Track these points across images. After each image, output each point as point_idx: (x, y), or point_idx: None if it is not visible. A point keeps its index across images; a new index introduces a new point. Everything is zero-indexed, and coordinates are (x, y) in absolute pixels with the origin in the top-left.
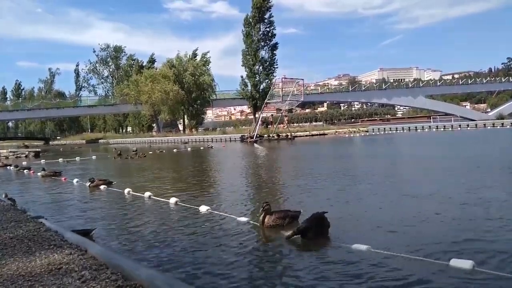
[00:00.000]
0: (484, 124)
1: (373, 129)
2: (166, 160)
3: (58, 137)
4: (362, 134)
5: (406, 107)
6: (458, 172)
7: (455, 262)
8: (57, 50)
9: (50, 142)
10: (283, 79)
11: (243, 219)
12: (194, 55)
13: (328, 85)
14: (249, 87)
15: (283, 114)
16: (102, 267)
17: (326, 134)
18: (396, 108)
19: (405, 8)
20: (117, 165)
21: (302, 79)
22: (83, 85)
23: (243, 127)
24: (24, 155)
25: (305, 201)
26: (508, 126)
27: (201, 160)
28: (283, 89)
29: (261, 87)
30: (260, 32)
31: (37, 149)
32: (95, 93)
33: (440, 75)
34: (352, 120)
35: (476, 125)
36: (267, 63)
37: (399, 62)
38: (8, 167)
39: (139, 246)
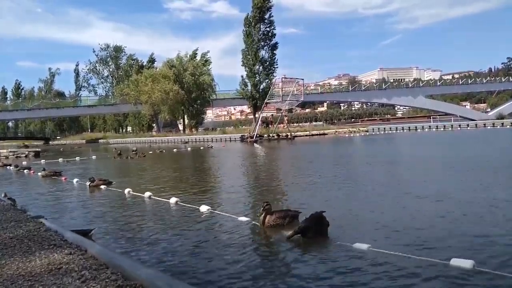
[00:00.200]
0: (484, 124)
1: (373, 129)
2: (166, 160)
3: (58, 137)
4: (362, 134)
5: (406, 107)
6: (459, 172)
7: (455, 262)
8: (57, 50)
9: (50, 142)
10: (283, 79)
11: (244, 218)
12: (194, 55)
13: (328, 85)
14: (249, 87)
15: (283, 114)
16: (102, 267)
17: (326, 134)
18: (396, 108)
19: (405, 8)
20: (117, 165)
21: (302, 79)
22: (83, 85)
23: (243, 127)
24: (24, 155)
25: (306, 201)
26: (508, 126)
27: (201, 160)
28: (283, 89)
29: (261, 87)
30: (260, 32)
31: (37, 149)
32: (95, 93)
33: (440, 75)
34: (352, 120)
35: (476, 125)
36: (267, 63)
37: (399, 62)
38: (8, 167)
39: (139, 246)
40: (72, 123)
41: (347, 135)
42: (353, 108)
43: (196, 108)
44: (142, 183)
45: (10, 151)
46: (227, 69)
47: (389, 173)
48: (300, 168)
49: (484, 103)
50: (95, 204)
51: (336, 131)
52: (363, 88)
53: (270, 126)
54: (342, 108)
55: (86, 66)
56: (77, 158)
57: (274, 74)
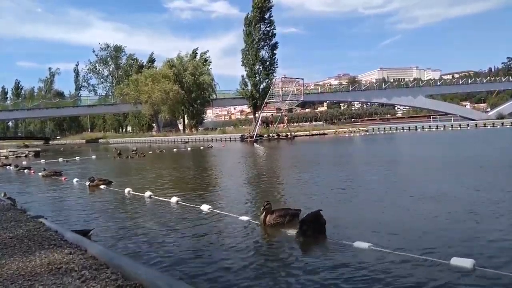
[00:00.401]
0: (484, 124)
1: (373, 129)
2: (166, 159)
3: (58, 137)
4: (362, 134)
5: (406, 107)
6: (459, 172)
7: (456, 261)
8: (57, 50)
9: (50, 142)
10: (283, 79)
11: (244, 218)
12: (194, 54)
13: (328, 84)
14: (249, 87)
15: (283, 113)
16: (102, 266)
17: (326, 134)
18: (396, 108)
19: (405, 8)
20: (117, 164)
21: (302, 79)
22: (83, 85)
23: (243, 126)
24: (24, 155)
25: (306, 200)
26: (508, 126)
27: (201, 159)
28: (283, 89)
29: (261, 86)
30: (261, 32)
31: (37, 149)
32: (95, 93)
33: (440, 75)
34: (352, 119)
35: (476, 124)
36: (267, 62)
37: (399, 62)
38: (7, 167)
39: (139, 246)
40: (72, 123)
41: (347, 135)
42: (353, 108)
43: (196, 108)
44: (142, 182)
45: (10, 151)
46: (227, 69)
47: (389, 173)
48: (300, 167)
49: (484, 103)
50: (95, 204)
51: (336, 131)
52: (363, 88)
53: (270, 126)
54: (342, 108)
55: (86, 66)
56: (77, 157)
57: (274, 74)
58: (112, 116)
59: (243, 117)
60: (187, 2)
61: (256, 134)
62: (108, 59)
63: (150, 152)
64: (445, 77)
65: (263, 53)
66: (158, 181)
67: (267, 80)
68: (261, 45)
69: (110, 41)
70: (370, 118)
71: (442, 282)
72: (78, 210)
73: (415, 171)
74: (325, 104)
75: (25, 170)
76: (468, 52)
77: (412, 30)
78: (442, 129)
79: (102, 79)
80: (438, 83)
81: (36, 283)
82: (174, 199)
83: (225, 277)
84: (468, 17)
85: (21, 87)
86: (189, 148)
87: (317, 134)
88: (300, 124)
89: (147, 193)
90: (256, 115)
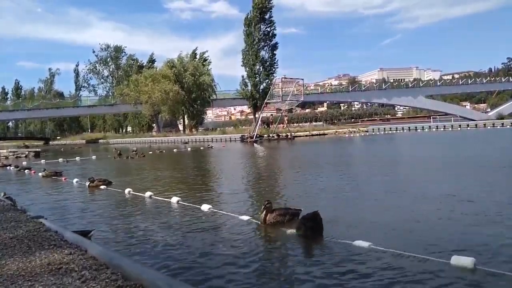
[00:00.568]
0: (484, 124)
1: (373, 129)
2: (166, 160)
3: (58, 137)
4: (362, 134)
5: (406, 107)
6: (459, 172)
7: (456, 260)
8: (57, 50)
9: (50, 142)
10: (283, 79)
11: (244, 217)
12: (194, 54)
13: (329, 84)
14: (249, 87)
15: (283, 114)
16: (102, 267)
17: (326, 134)
18: (396, 108)
19: (405, 8)
20: (117, 165)
21: (302, 79)
22: (83, 85)
23: (243, 127)
24: (24, 155)
25: (306, 200)
26: (508, 126)
27: (201, 160)
28: (283, 89)
29: (261, 87)
30: (261, 32)
31: (37, 149)
32: (95, 93)
33: (440, 75)
34: (352, 120)
35: (476, 125)
36: (268, 63)
37: (399, 62)
38: (8, 167)
39: (140, 246)
40: (72, 123)
41: (347, 135)
42: (353, 108)
43: (196, 108)
44: (143, 183)
45: (10, 151)
46: (227, 69)
47: (389, 173)
48: (300, 168)
49: (484, 103)
50: (95, 204)
51: (336, 131)
52: (363, 88)
53: (270, 126)
54: (342, 108)
55: (86, 66)
56: (77, 158)
57: (274, 74)
58: (112, 117)
59: (243, 117)
60: (187, 3)
61: (256, 135)
62: (108, 59)
63: (150, 152)
64: (445, 77)
65: (263, 53)
66: (158, 181)
67: (267, 80)
68: (261, 46)
69: (110, 41)
70: (370, 119)
71: (443, 281)
72: (78, 211)
73: (415, 171)
74: (325, 104)
75: (26, 171)
76: (468, 52)
77: (412, 30)
78: (442, 129)
79: (102, 80)
80: (438, 84)
81: (36, 284)
82: (174, 199)
83: (226, 276)
84: (468, 17)
85: (21, 87)
86: (189, 149)
87: (317, 135)
88: (300, 124)
89: (148, 193)
90: (256, 115)
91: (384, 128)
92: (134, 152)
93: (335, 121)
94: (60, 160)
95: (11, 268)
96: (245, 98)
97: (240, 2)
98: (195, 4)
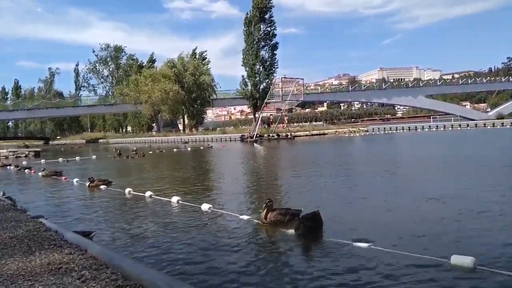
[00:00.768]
0: (484, 124)
1: (373, 129)
2: (166, 159)
3: (58, 137)
4: (362, 134)
5: (406, 107)
6: (459, 172)
7: (456, 259)
8: (57, 49)
9: (50, 142)
10: (283, 79)
11: (244, 217)
12: (194, 54)
13: (329, 84)
14: (249, 87)
15: (283, 113)
16: (102, 267)
17: (326, 134)
18: (396, 108)
19: (405, 8)
20: (117, 164)
21: (302, 79)
22: (83, 85)
23: (243, 126)
24: (24, 155)
25: (306, 200)
26: (508, 126)
27: (201, 159)
28: (283, 89)
29: (261, 86)
30: (261, 32)
31: (37, 149)
32: (95, 93)
33: (440, 75)
34: (352, 119)
35: (476, 124)
36: (268, 62)
37: (399, 61)
38: (8, 167)
39: (140, 245)
40: (72, 123)
41: (347, 135)
42: (353, 108)
43: (196, 108)
44: (143, 182)
45: (10, 151)
46: (227, 69)
47: (389, 173)
48: (300, 167)
49: (484, 103)
50: (95, 204)
51: (336, 131)
52: (363, 88)
53: (270, 126)
54: (342, 108)
55: (86, 66)
56: (77, 158)
57: (274, 74)
58: (112, 116)
59: (243, 117)
60: (187, 2)
61: (256, 134)
62: (108, 59)
63: (150, 152)
64: (445, 77)
65: (263, 53)
66: (159, 181)
67: (267, 80)
68: (261, 45)
69: (110, 41)
70: (370, 118)
71: (443, 281)
72: (78, 210)
73: (415, 170)
74: (325, 104)
75: (26, 170)
76: (468, 52)
77: (412, 30)
78: (442, 129)
79: (102, 79)
80: (438, 83)
81: (36, 283)
82: (174, 199)
83: (226, 276)
84: (468, 17)
85: (19, 87)
86: (189, 148)
87: (317, 134)
88: (300, 124)
89: (148, 193)
90: (256, 115)
91: (384, 128)
92: (134, 152)
93: (335, 121)
94: (60, 159)
95: (11, 268)
96: (245, 98)
97: (240, 2)
98: (195, 4)
